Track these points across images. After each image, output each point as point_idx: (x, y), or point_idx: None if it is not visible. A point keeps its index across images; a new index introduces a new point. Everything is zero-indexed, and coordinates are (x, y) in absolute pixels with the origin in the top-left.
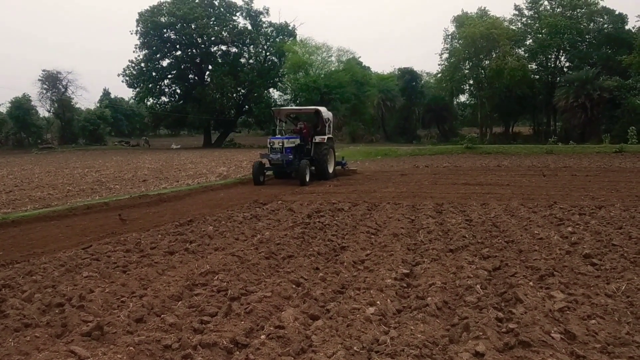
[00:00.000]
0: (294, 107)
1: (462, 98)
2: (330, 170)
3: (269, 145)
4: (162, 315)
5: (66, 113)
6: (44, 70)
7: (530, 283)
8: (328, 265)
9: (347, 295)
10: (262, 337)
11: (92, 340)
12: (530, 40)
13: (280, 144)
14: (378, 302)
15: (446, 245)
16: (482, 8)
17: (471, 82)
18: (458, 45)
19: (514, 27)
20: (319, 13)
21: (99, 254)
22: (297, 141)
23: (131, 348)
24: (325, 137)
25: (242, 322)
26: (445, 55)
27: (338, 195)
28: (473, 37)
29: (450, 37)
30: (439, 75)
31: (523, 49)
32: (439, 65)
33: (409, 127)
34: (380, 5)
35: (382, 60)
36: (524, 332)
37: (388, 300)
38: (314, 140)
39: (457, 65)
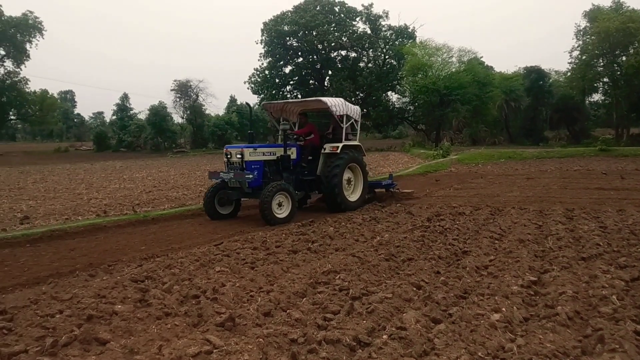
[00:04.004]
0: (292, 100)
1: (595, 97)
2: (355, 196)
3: (225, 159)
4: (288, 311)
5: (197, 119)
6: (174, 80)
7: None
8: (449, 270)
9: (470, 300)
10: (384, 337)
11: (225, 331)
12: None
13: (239, 155)
14: (503, 309)
15: (578, 253)
16: (617, 1)
17: (605, 79)
18: (590, 42)
19: None
20: (441, 13)
21: (229, 250)
22: (280, 152)
23: (260, 340)
24: (340, 145)
25: (364, 322)
26: (576, 53)
27: (459, 199)
28: (607, 32)
29: (581, 32)
30: (569, 73)
31: None
32: (568, 63)
33: (535, 128)
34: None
35: (506, 59)
36: None
37: (514, 307)
38: (323, 151)
39: (590, 63)
